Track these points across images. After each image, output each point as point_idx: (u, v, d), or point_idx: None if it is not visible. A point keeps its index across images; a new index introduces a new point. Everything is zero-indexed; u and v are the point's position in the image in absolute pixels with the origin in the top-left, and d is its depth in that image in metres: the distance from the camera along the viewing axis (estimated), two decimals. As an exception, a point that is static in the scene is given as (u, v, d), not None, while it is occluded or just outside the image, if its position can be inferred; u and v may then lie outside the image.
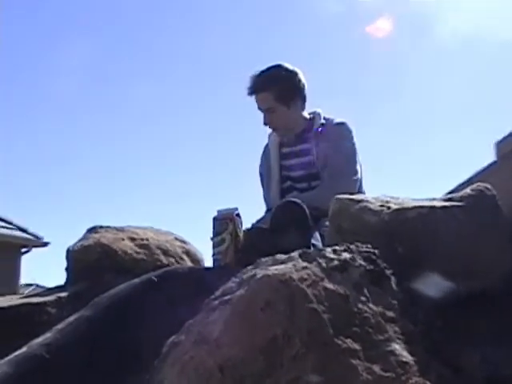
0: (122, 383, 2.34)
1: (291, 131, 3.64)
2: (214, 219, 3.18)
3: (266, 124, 3.61)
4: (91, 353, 2.59)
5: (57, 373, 2.52)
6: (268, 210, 3.55)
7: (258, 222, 3.43)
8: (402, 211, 2.12)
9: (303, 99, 3.63)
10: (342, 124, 3.57)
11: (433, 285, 1.99)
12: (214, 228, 3.16)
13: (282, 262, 1.77)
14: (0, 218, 14.24)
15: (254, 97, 3.57)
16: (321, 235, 2.94)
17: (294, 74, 3.60)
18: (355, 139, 3.56)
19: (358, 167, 3.49)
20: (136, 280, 2.93)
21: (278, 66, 3.60)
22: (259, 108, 3.59)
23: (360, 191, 3.40)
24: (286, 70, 3.59)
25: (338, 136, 3.51)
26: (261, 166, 3.83)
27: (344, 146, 3.50)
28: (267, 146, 3.82)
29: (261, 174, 3.82)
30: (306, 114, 3.68)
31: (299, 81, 3.61)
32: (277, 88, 3.54)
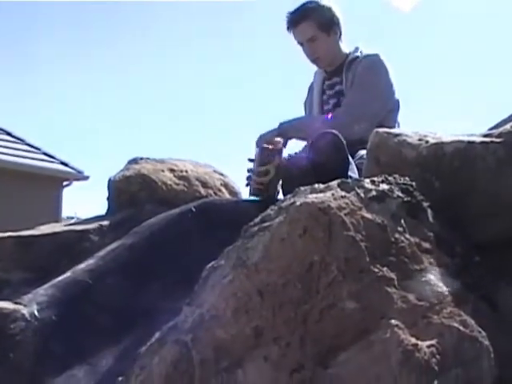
0: (162, 308, 2.37)
1: (332, 62, 3.63)
2: (262, 149, 3.14)
3: (308, 56, 3.62)
4: (132, 279, 2.62)
5: (99, 298, 2.56)
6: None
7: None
8: (440, 145, 2.08)
9: (340, 32, 3.63)
10: (371, 55, 3.56)
11: (469, 220, 1.96)
12: (259, 156, 3.12)
13: (321, 191, 1.75)
14: (44, 153, 14.38)
15: (293, 32, 3.58)
16: (357, 168, 2.92)
17: (329, 7, 3.62)
18: (386, 72, 3.52)
19: (377, 100, 3.45)
20: (175, 210, 2.95)
21: (312, 1, 3.62)
22: (299, 43, 3.60)
23: (393, 126, 3.37)
24: (322, 3, 3.62)
25: (363, 66, 3.51)
26: (305, 101, 3.88)
27: (365, 76, 3.49)
28: (312, 83, 3.84)
29: (304, 107, 3.87)
30: (345, 49, 3.66)
31: (335, 13, 3.65)
32: (317, 16, 3.60)
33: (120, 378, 1.87)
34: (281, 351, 1.60)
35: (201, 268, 1.87)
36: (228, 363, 1.65)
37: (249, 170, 3.16)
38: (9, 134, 14.38)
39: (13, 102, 23.36)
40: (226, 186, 3.55)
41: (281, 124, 3.39)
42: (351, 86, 3.49)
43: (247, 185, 3.17)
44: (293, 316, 1.61)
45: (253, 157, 3.17)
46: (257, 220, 1.80)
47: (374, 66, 3.51)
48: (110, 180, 3.48)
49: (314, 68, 3.80)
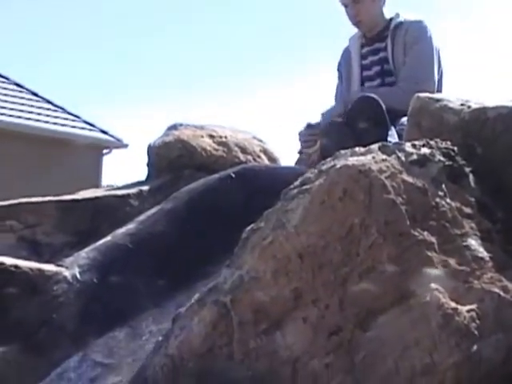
0: (201, 271, 2.39)
1: (374, 27, 3.57)
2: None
3: (350, 18, 3.56)
4: (172, 243, 2.65)
5: (139, 261, 2.59)
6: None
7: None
8: (483, 110, 2.04)
9: None
10: (419, 22, 3.49)
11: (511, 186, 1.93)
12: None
13: (362, 154, 1.74)
14: (83, 121, 14.47)
15: None
16: (398, 134, 2.89)
17: None
18: (433, 38, 3.47)
19: (436, 69, 3.41)
20: (214, 176, 2.96)
21: None
22: (343, 3, 3.55)
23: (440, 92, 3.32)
24: None
25: (415, 36, 3.45)
26: (339, 65, 3.80)
27: (420, 48, 3.43)
28: (347, 48, 3.77)
29: (339, 71, 3.80)
30: (386, 15, 3.60)
31: None
32: None
33: (160, 339, 1.89)
34: (320, 313, 1.60)
35: (239, 232, 1.88)
36: (267, 325, 1.66)
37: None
38: (49, 102, 14.48)
39: (58, 75, 23.51)
40: (265, 152, 3.54)
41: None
42: (404, 54, 3.43)
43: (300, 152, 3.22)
44: (332, 278, 1.61)
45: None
46: (297, 183, 1.79)
47: (423, 34, 3.46)
48: (149, 146, 3.50)
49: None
